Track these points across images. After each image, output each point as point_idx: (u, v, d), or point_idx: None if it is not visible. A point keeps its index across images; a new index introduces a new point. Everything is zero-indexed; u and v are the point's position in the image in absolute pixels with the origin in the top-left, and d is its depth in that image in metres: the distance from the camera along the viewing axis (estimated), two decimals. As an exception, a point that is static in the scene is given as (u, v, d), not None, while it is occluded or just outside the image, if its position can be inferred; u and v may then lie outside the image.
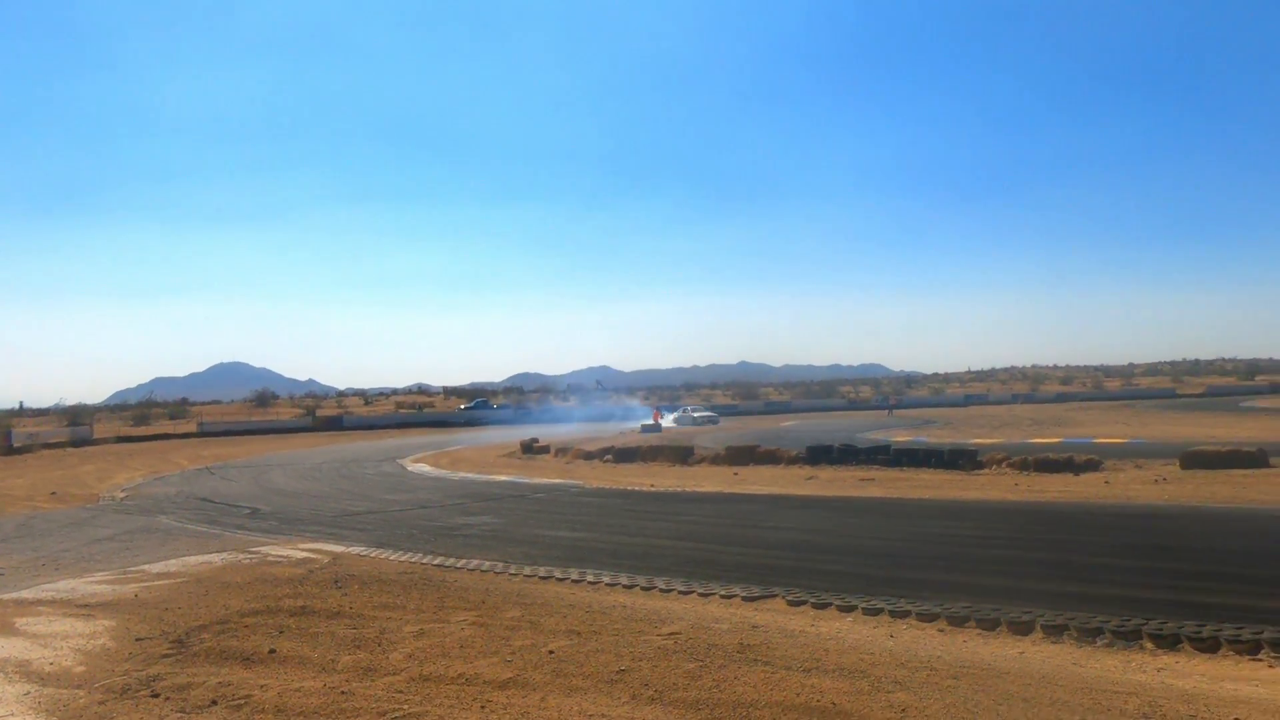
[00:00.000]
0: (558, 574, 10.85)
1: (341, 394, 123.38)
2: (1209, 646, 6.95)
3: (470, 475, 26.38)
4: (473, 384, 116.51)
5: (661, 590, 9.79)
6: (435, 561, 12.12)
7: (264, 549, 13.51)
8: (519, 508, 18.21)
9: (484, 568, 11.51)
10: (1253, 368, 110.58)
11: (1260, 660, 6.68)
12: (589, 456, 29.87)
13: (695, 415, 56.53)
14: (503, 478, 25.16)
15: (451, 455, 35.32)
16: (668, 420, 52.41)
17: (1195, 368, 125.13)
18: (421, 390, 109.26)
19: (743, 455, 25.67)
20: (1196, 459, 18.90)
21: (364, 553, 13.04)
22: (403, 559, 12.45)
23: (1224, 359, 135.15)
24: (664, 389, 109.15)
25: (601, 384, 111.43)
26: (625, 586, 10.06)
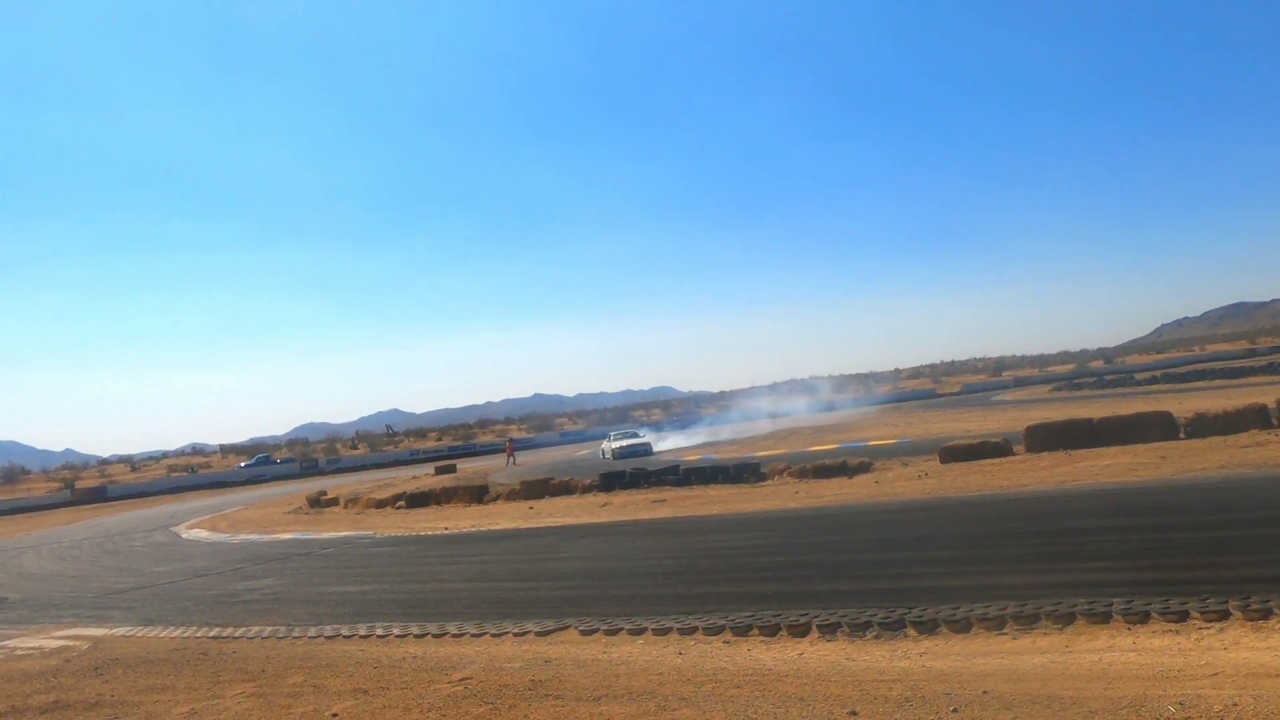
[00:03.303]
0: (345, 631, 10.42)
1: (104, 462, 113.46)
2: (962, 627, 7.54)
3: (252, 536, 24.92)
4: (253, 440, 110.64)
5: (454, 636, 9.59)
6: (211, 633, 11.36)
7: (10, 643, 12.21)
8: (305, 566, 17.37)
9: (265, 634, 10.89)
10: (1000, 365, 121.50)
11: (1005, 634, 7.31)
12: (381, 505, 28.89)
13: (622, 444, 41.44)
14: (287, 536, 23.91)
15: (231, 517, 33.24)
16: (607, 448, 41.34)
17: (952, 368, 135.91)
18: (197, 451, 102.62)
19: (538, 488, 25.61)
20: (953, 453, 20.51)
21: (130, 633, 12.04)
22: (175, 634, 11.59)
23: (975, 359, 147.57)
24: (458, 427, 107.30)
25: (392, 428, 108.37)
26: (416, 636, 9.79)
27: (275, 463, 75.33)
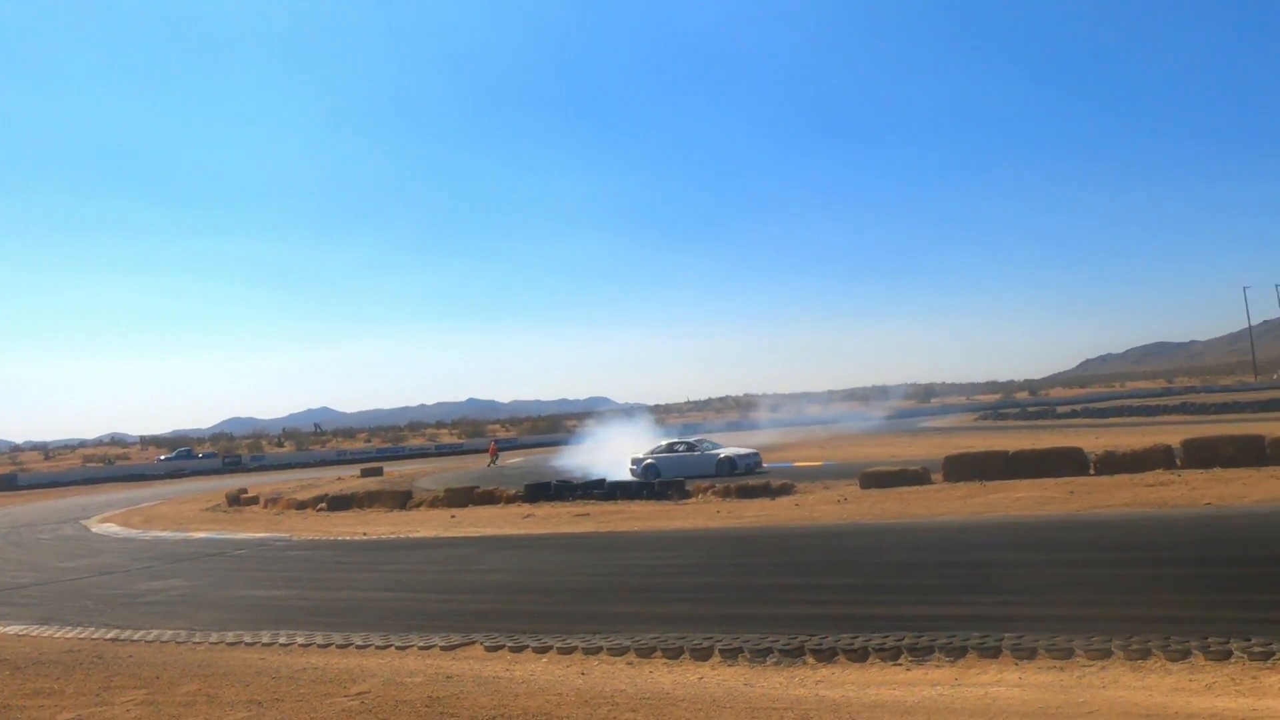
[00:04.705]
0: (248, 639, 10.25)
1: (17, 448, 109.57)
2: (859, 656, 7.68)
3: (164, 534, 24.33)
4: (175, 432, 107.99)
5: (358, 647, 9.49)
6: (109, 635, 11.09)
7: (-105, 638, 11.75)
8: (216, 567, 17.02)
9: (165, 638, 10.66)
10: (930, 391, 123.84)
11: (900, 665, 7.47)
12: (302, 506, 28.40)
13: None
14: (201, 534, 23.39)
15: (146, 512, 32.40)
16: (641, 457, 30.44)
17: (884, 392, 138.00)
18: (115, 441, 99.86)
19: (461, 496, 25.42)
20: (873, 479, 20.84)
21: (23, 632, 11.70)
22: (71, 635, 11.29)
23: (907, 384, 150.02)
24: (388, 429, 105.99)
25: (320, 427, 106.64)
26: (320, 646, 9.66)
27: (197, 457, 73.64)
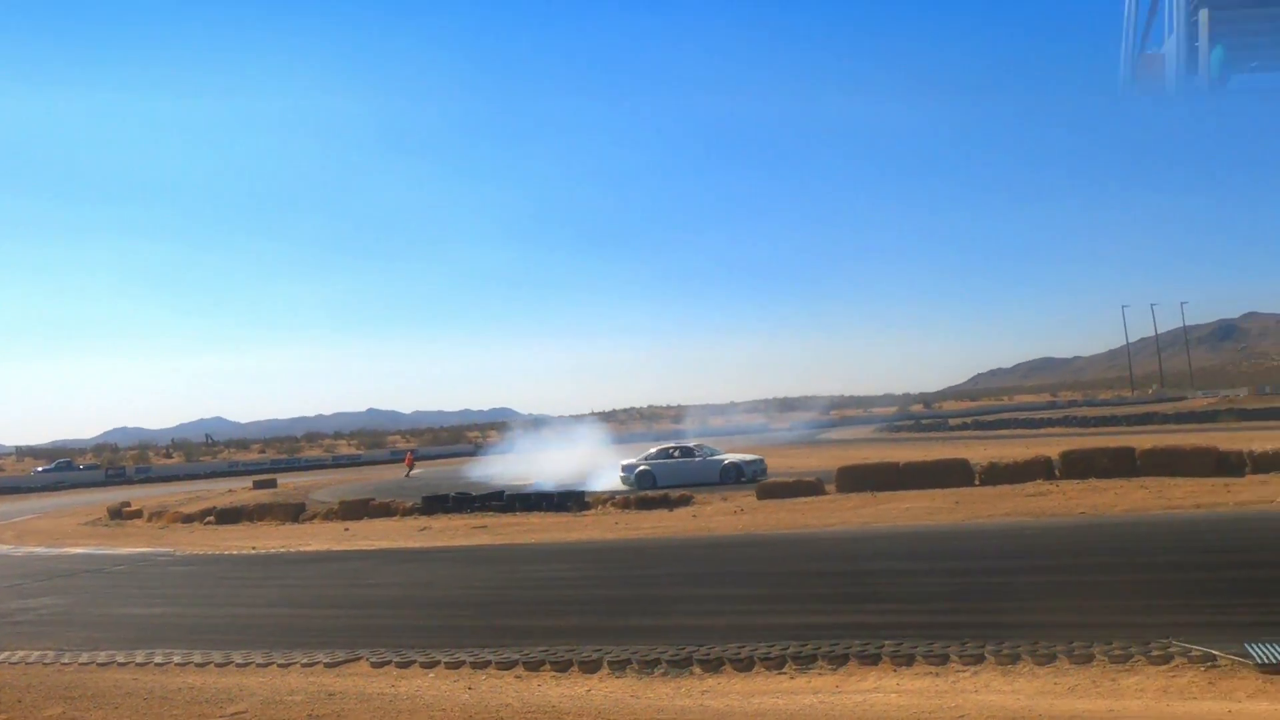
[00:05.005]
0: (121, 659, 9.83)
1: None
2: (745, 666, 7.80)
3: (38, 549, 23.18)
4: (55, 443, 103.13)
5: (239, 665, 9.20)
6: (-31, 659, 10.49)
7: None
8: (92, 584, 16.29)
9: (31, 659, 10.15)
10: (831, 404, 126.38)
11: (784, 674, 7.61)
12: (189, 520, 27.39)
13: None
14: (79, 550, 22.35)
15: (18, 527, 30.78)
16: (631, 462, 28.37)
17: (786, 404, 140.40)
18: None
19: (357, 509, 24.89)
20: (769, 490, 21.19)
21: (-127, 657, 10.98)
22: (-74, 659, 10.64)
23: (808, 395, 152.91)
24: (284, 440, 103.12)
25: (211, 437, 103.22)
26: (198, 665, 9.33)
27: (78, 469, 70.24)
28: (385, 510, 24.62)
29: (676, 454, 28.12)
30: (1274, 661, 6.76)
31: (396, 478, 46.62)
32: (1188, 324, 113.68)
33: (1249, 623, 7.87)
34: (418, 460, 53.15)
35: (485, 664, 8.48)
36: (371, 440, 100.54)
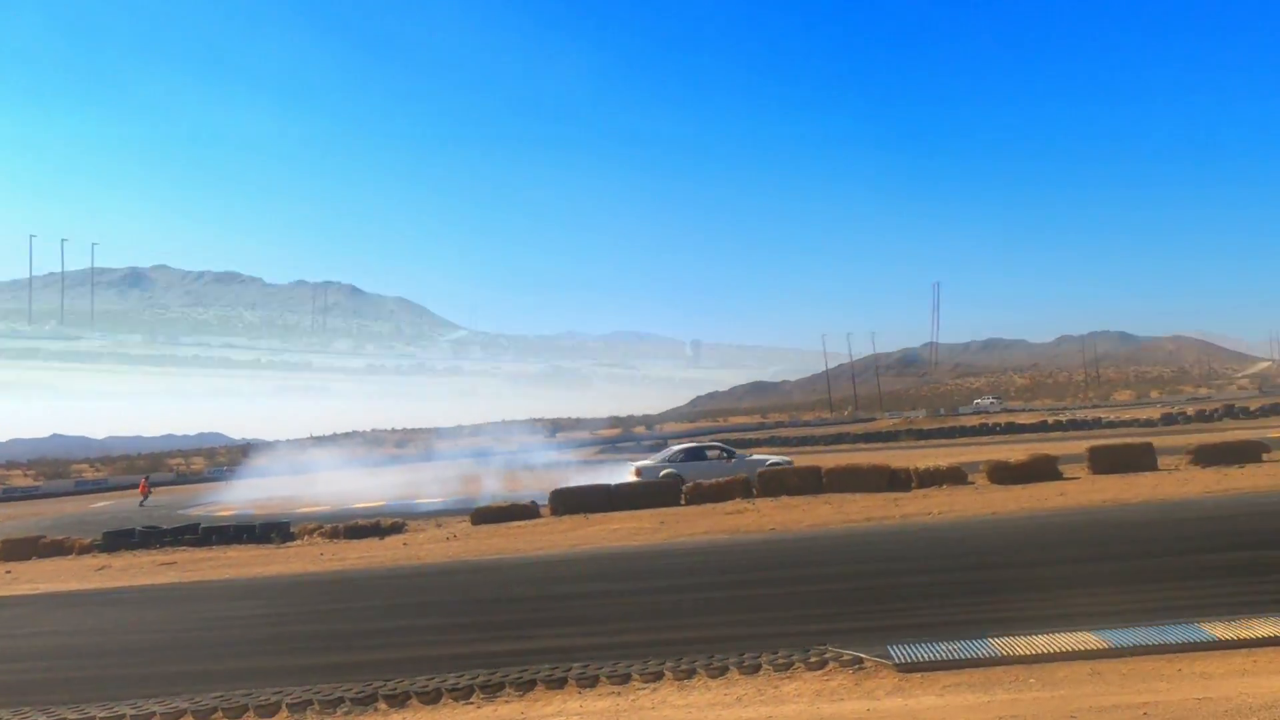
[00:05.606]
0: None
1: None
2: (433, 698, 7.67)
3: None
4: None
5: None
6: None
7: None
8: None
9: None
10: (557, 426, 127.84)
11: (471, 703, 7.54)
12: None
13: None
14: None
15: None
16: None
17: (510, 428, 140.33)
18: None
19: (23, 548, 22.15)
20: (484, 514, 21.09)
21: None
22: None
23: (534, 419, 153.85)
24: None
25: None
26: None
27: None
28: (58, 549, 22.11)
29: (712, 454, 25.51)
30: (910, 660, 7.57)
31: (78, 511, 42.17)
32: (878, 352, 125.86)
33: (894, 625, 8.78)
34: (153, 488, 48.28)
35: (148, 716, 7.79)
36: (53, 470, 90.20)
